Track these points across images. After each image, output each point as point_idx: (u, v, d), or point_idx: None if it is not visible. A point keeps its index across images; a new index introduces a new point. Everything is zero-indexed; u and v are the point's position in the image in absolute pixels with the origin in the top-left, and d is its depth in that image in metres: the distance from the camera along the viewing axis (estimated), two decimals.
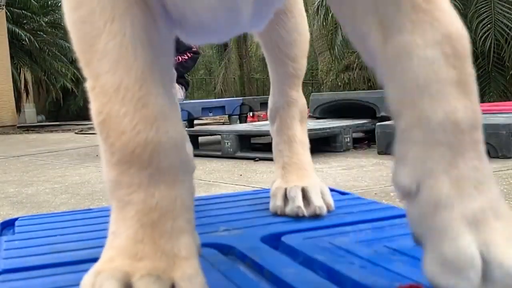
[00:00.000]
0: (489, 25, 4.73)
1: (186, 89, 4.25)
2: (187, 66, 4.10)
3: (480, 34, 4.71)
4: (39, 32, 12.14)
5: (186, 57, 4.03)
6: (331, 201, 0.95)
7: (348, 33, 0.61)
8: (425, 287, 0.55)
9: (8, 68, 9.38)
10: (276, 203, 0.95)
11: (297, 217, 0.91)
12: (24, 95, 12.76)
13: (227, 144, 3.36)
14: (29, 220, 1.04)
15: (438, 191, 0.51)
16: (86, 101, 0.59)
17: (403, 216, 0.94)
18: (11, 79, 9.59)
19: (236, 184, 2.40)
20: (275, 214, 0.94)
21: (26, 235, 0.92)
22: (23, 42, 11.44)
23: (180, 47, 4.02)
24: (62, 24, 13.24)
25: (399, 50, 0.53)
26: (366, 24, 0.56)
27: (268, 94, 1.10)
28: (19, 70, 11.92)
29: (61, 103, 13.95)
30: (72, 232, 0.92)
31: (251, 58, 15.98)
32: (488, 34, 4.69)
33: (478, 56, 5.04)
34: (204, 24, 0.68)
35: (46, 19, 12.51)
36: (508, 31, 4.70)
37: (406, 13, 0.52)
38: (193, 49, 4.07)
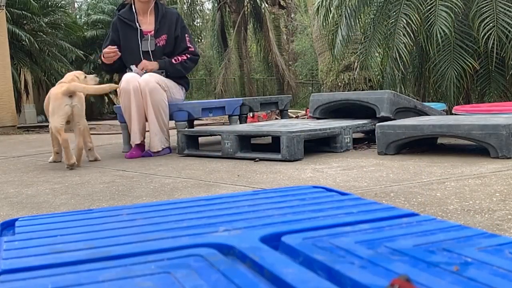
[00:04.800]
0: (491, 24, 4.71)
1: (186, 90, 4.24)
2: (187, 66, 4.08)
3: (483, 33, 4.70)
4: (39, 33, 12.15)
5: (185, 57, 4.02)
6: None
7: None
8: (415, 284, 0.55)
9: (8, 68, 9.37)
10: None
11: (297, 217, 0.91)
12: (24, 96, 12.77)
13: (227, 144, 3.36)
14: (29, 221, 1.04)
15: None
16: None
17: (402, 216, 0.94)
18: (11, 80, 9.58)
19: (236, 185, 2.40)
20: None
21: (26, 235, 0.92)
22: (23, 43, 11.45)
23: (177, 49, 4.01)
24: (62, 24, 13.26)
25: None
26: None
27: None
28: (19, 71, 11.92)
29: None
30: (72, 232, 0.92)
31: (251, 58, 15.98)
32: (491, 33, 4.68)
33: (480, 55, 5.04)
34: None
35: (46, 20, 12.51)
36: (510, 29, 4.68)
37: None
38: (190, 50, 4.05)
